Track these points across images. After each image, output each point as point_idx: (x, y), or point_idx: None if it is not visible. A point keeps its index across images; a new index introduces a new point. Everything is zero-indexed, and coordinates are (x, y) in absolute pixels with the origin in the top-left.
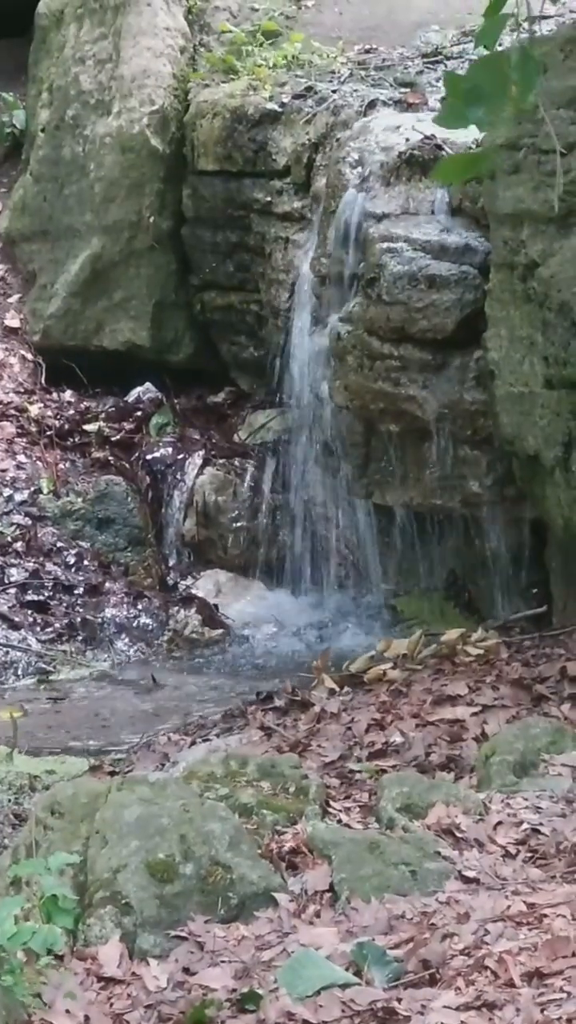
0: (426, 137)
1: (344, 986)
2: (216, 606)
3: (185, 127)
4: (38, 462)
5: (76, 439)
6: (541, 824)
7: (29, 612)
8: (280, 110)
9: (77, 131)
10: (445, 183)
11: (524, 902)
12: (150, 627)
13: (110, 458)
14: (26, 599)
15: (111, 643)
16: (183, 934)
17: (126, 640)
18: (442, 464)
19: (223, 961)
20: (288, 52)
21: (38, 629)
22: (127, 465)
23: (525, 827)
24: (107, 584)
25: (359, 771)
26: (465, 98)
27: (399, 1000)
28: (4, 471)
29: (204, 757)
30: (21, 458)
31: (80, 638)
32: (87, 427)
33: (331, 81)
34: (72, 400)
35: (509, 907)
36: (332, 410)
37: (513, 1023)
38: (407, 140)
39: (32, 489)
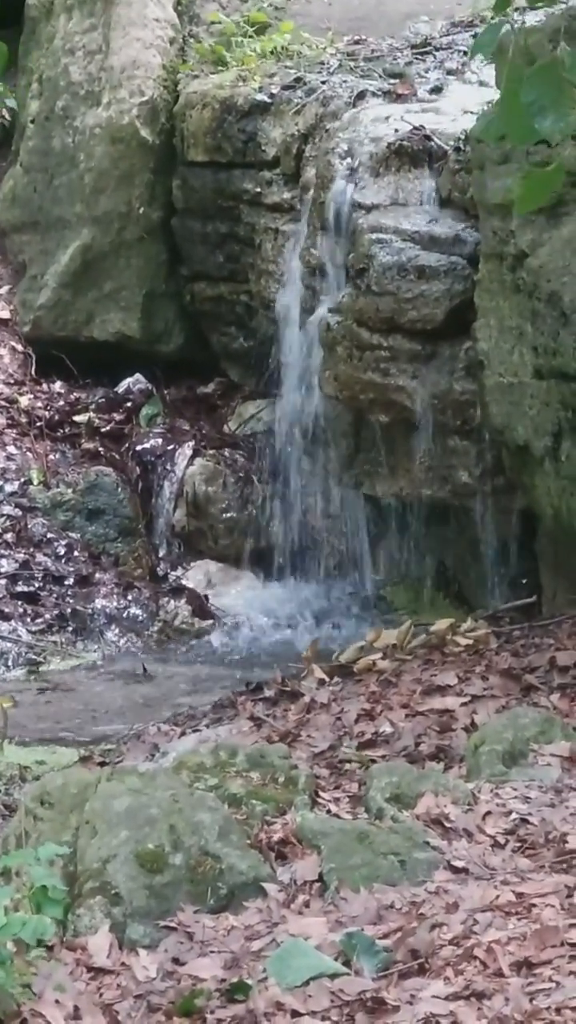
0: (415, 128)
1: (333, 976)
2: (206, 597)
3: (175, 118)
4: (28, 453)
5: (66, 430)
6: (530, 814)
7: (19, 603)
8: (269, 101)
9: (67, 122)
10: (532, 208)
11: (513, 892)
12: (140, 618)
13: (100, 449)
14: (16, 590)
15: (101, 634)
16: (172, 924)
17: (116, 631)
18: (431, 454)
19: (212, 951)
20: (277, 43)
21: (28, 620)
22: (117, 456)
23: (514, 817)
24: (97, 575)
25: (348, 761)
26: (528, 111)
27: (388, 990)
28: None
29: (194, 747)
30: (11, 449)
31: (70, 629)
32: (77, 418)
33: (320, 72)
34: (62, 391)
35: (498, 897)
36: (322, 400)
37: (502, 1012)
38: (396, 131)
39: (22, 480)
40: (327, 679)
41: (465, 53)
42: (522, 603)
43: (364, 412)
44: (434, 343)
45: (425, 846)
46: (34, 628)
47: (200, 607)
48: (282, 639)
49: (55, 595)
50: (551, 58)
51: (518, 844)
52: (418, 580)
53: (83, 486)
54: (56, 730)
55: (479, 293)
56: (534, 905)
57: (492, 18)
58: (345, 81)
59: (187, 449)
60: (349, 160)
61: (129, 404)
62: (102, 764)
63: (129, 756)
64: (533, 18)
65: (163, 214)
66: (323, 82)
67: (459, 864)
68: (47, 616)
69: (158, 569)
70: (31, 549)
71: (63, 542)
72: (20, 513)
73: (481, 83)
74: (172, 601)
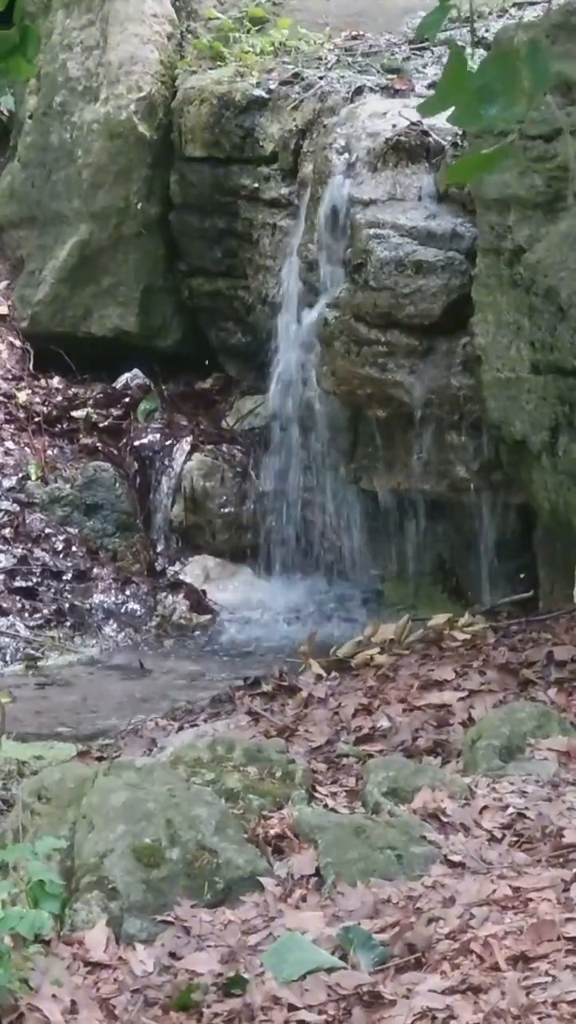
0: (412, 123)
1: (330, 970)
2: (204, 592)
3: (172, 113)
4: (26, 448)
5: (64, 425)
6: (527, 808)
7: (17, 598)
8: (267, 96)
9: (65, 118)
10: (458, 183)
11: (510, 886)
12: (138, 613)
13: (98, 444)
14: (14, 585)
15: (99, 629)
16: (169, 919)
17: (114, 626)
18: (429, 449)
19: (209, 945)
20: (275, 38)
21: (26, 615)
22: (115, 451)
23: (511, 811)
24: (95, 570)
25: (346, 756)
26: (478, 96)
27: (385, 984)
28: None
29: (191, 742)
30: (9, 444)
31: (68, 624)
32: (75, 413)
33: (318, 67)
34: (60, 386)
35: (495, 891)
36: (319, 396)
37: (499, 1007)
38: (394, 126)
39: (20, 475)
40: (325, 674)
41: (463, 48)
42: (520, 598)
43: (362, 407)
44: (431, 338)
45: (422, 840)
46: (32, 623)
47: (198, 602)
48: (280, 634)
49: (53, 590)
50: (508, 46)
51: (515, 838)
52: (416, 575)
53: (81, 481)
54: (54, 725)
55: (476, 288)
56: (531, 899)
57: (490, 13)
58: (343, 76)
59: (185, 444)
60: (347, 155)
61: (127, 399)
62: (99, 759)
63: (126, 751)
64: (533, 12)
65: (161, 209)
66: (321, 77)
67: (456, 858)
68: (45, 611)
69: (156, 564)
70: (29, 544)
71: (61, 537)
72: (18, 508)
73: None
74: (170, 596)
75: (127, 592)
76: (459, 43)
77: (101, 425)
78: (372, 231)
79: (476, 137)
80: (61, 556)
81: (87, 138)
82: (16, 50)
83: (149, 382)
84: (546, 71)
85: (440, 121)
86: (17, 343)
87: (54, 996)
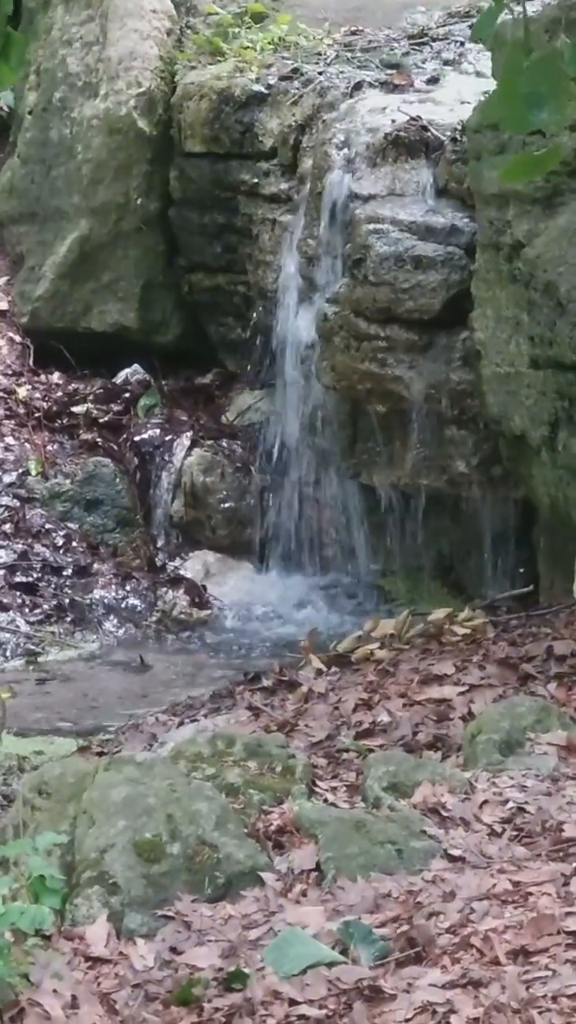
0: (412, 118)
1: (330, 964)
2: (204, 587)
3: (172, 109)
4: (26, 444)
5: (64, 421)
6: (527, 803)
7: (17, 593)
8: (267, 92)
9: (64, 113)
10: (513, 182)
11: (510, 880)
12: (138, 608)
13: (98, 440)
14: (14, 580)
15: (99, 624)
16: (170, 913)
17: (114, 621)
18: (429, 444)
19: (210, 940)
20: (275, 34)
21: (26, 610)
22: (115, 446)
23: (511, 806)
24: (95, 565)
25: (346, 750)
26: (526, 102)
27: (385, 978)
28: None
29: (191, 737)
30: (9, 440)
31: (68, 619)
32: (75, 409)
33: (317, 63)
34: (60, 382)
35: (495, 885)
36: (319, 391)
37: (499, 1001)
38: (393, 121)
39: (20, 471)
40: (325, 669)
41: (462, 43)
42: (519, 592)
43: (361, 402)
44: (431, 333)
45: (422, 835)
46: (32, 619)
47: (198, 597)
48: (280, 629)
49: (53, 585)
50: (551, 49)
51: (515, 833)
52: (416, 570)
53: (81, 477)
54: (54, 720)
55: (476, 283)
56: (531, 893)
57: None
58: (342, 72)
59: (185, 439)
60: (346, 151)
61: (127, 395)
62: (100, 754)
63: (127, 746)
64: (531, 7)
65: (160, 205)
66: (320, 73)
67: (456, 853)
68: (45, 607)
69: (156, 559)
70: (29, 540)
71: (61, 533)
72: (18, 504)
73: (478, 73)
74: (170, 591)
75: (127, 587)
76: (460, 39)
77: (101, 421)
78: (371, 226)
79: (475, 132)
80: (61, 552)
81: (87, 134)
82: None
83: (149, 377)
84: None
85: (439, 116)
86: (17, 339)
87: (55, 991)
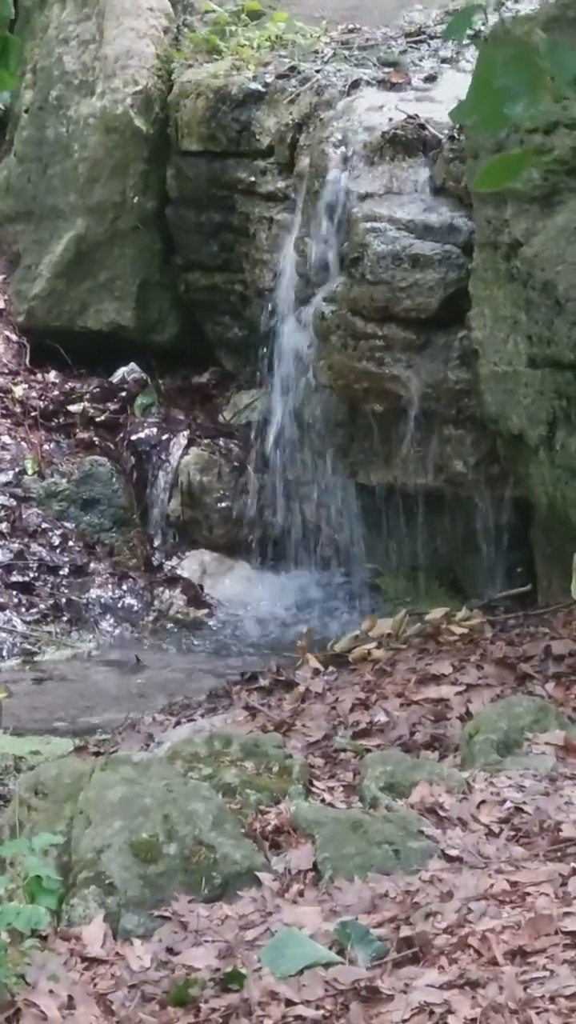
0: (409, 116)
1: (327, 965)
2: (201, 586)
3: (169, 107)
4: (22, 443)
5: (61, 420)
6: (524, 803)
7: (14, 593)
8: (264, 90)
9: (61, 112)
10: (489, 189)
11: (507, 880)
12: (135, 607)
13: (95, 439)
14: (11, 580)
15: (96, 624)
16: (167, 914)
17: (111, 620)
18: (426, 443)
19: (206, 940)
20: (271, 32)
21: (23, 610)
22: (112, 446)
23: (508, 806)
24: (92, 565)
25: (343, 750)
26: (500, 97)
27: (382, 979)
28: None
29: (188, 737)
30: (5, 439)
31: (65, 619)
32: (72, 408)
33: (314, 61)
34: (57, 381)
35: (492, 885)
36: (316, 390)
37: (496, 1001)
38: (390, 120)
39: (17, 470)
40: (322, 668)
41: (461, 42)
42: (517, 592)
43: (359, 401)
44: (428, 332)
45: (419, 835)
46: (29, 618)
47: (195, 596)
48: (277, 628)
49: (50, 585)
50: (527, 45)
51: (512, 833)
52: (413, 569)
53: (78, 476)
54: (51, 720)
55: (473, 282)
56: (528, 894)
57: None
58: (339, 70)
59: (182, 438)
60: (343, 149)
61: (124, 394)
62: (96, 754)
63: (124, 746)
64: (529, 5)
65: (157, 203)
66: (317, 71)
67: (453, 853)
68: (42, 606)
69: (153, 559)
70: (26, 539)
71: (58, 532)
72: (14, 503)
73: None
74: (167, 591)
75: (124, 587)
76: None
77: (98, 419)
78: (369, 225)
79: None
80: (58, 551)
81: (83, 132)
82: None
83: (146, 376)
84: (572, 65)
85: (437, 115)
86: (13, 338)
87: (51, 992)
